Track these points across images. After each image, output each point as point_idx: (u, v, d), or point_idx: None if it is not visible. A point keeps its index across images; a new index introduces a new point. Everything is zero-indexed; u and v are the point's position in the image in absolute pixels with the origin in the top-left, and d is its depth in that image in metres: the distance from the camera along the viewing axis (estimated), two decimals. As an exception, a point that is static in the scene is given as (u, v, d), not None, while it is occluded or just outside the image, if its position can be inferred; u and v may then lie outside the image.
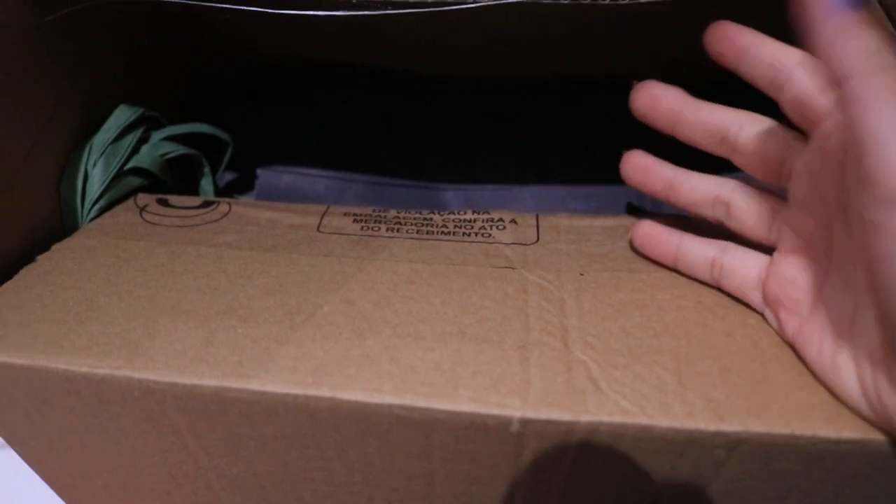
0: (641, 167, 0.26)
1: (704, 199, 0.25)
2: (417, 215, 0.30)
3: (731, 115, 0.23)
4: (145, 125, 0.34)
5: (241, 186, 0.41)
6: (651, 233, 0.26)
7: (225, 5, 0.27)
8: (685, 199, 0.25)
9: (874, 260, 0.17)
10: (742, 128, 0.23)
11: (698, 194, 0.25)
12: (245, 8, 0.27)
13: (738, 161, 0.23)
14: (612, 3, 0.25)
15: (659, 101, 0.24)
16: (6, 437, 0.27)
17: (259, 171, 0.41)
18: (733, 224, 0.24)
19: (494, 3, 0.25)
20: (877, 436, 0.19)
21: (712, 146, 0.24)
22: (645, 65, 0.39)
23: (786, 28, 0.20)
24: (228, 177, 0.41)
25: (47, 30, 0.30)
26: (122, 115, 0.33)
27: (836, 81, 0.18)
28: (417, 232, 0.29)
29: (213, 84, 0.43)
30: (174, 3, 0.33)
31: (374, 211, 0.31)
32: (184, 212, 0.31)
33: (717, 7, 0.28)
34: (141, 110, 0.34)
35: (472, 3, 0.25)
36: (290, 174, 0.41)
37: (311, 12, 0.27)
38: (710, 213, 0.25)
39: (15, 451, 0.27)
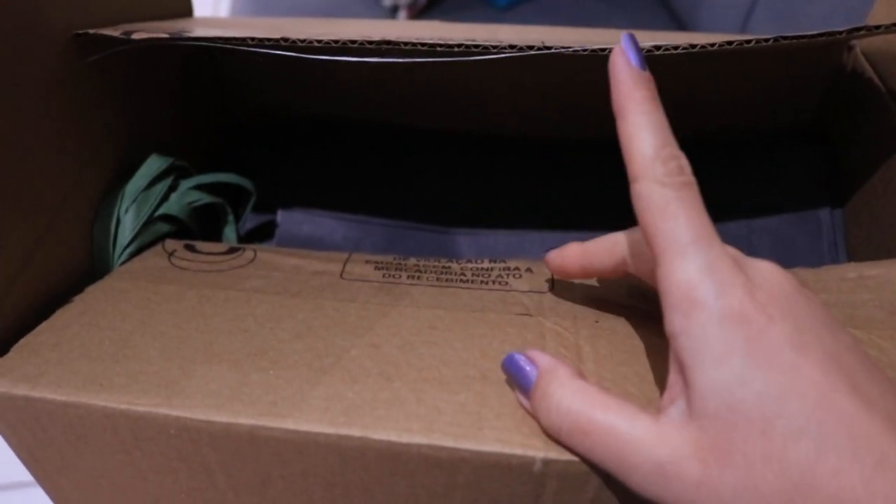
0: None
1: (612, 265, 0.26)
2: (436, 263, 0.32)
3: (610, 243, 0.26)
4: (175, 174, 0.36)
5: (261, 234, 0.42)
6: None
7: (258, 49, 0.29)
8: (600, 270, 0.27)
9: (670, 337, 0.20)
10: (622, 246, 0.25)
11: (606, 264, 0.26)
12: (276, 52, 0.28)
13: (633, 272, 0.26)
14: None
15: (566, 262, 0.27)
16: (37, 473, 0.27)
17: (279, 220, 0.42)
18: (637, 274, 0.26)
19: (517, 54, 0.27)
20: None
21: (618, 272, 0.26)
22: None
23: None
24: (249, 224, 0.42)
25: (87, 77, 0.31)
26: (153, 164, 0.34)
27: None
28: (437, 279, 0.30)
29: (238, 134, 0.45)
30: (205, 49, 0.35)
31: (394, 259, 0.32)
32: (211, 257, 0.33)
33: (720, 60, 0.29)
34: (171, 160, 0.35)
35: (496, 53, 0.27)
36: (310, 224, 0.42)
37: (341, 58, 0.28)
38: (622, 272, 0.26)
39: (43, 487, 0.28)
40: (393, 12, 0.66)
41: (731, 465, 0.18)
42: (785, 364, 0.18)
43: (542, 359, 0.23)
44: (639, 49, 0.22)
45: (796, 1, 0.73)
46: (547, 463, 0.21)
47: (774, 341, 0.18)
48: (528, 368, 0.23)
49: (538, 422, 0.22)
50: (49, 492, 0.29)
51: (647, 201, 0.20)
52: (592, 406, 0.20)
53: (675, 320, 0.19)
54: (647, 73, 0.22)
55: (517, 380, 0.23)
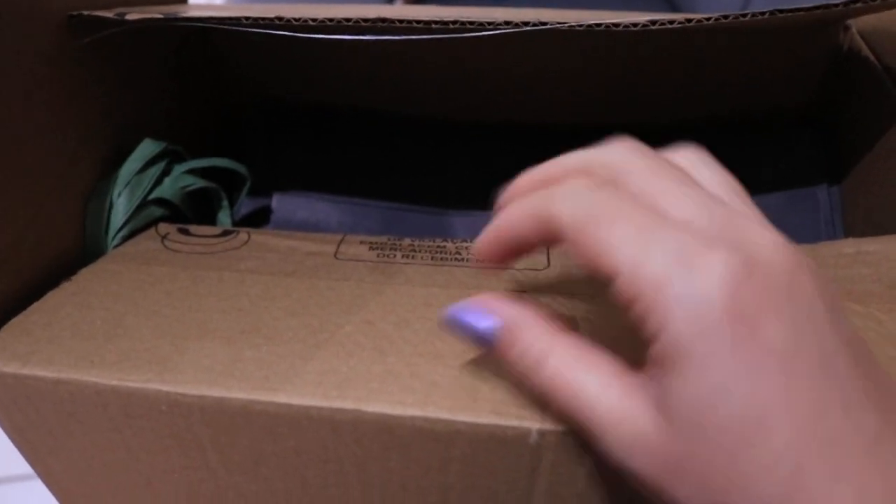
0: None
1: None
2: (431, 243, 0.31)
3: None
4: (168, 158, 0.35)
5: (256, 220, 0.42)
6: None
7: (252, 28, 0.29)
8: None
9: None
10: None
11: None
12: (271, 32, 0.28)
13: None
14: (623, 28, 0.26)
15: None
16: (28, 455, 0.27)
17: (274, 206, 0.42)
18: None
19: (512, 30, 0.27)
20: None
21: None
22: (644, 113, 0.41)
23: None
24: (245, 210, 0.42)
25: (80, 60, 0.31)
26: (146, 148, 0.34)
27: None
28: (432, 259, 0.30)
29: (232, 118, 0.45)
30: (201, 33, 0.34)
31: (388, 239, 0.32)
32: (204, 240, 0.32)
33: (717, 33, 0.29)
34: (165, 144, 0.35)
35: (492, 29, 0.27)
36: (305, 209, 0.42)
37: (336, 36, 0.28)
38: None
39: (34, 469, 0.28)
40: (390, 2, 0.66)
41: (687, 483, 0.16)
42: (773, 376, 0.15)
43: (505, 310, 0.21)
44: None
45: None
46: (543, 434, 0.21)
47: (765, 346, 0.15)
48: (483, 326, 0.21)
49: (520, 380, 0.20)
50: (41, 474, 0.28)
51: (573, 225, 0.18)
52: (567, 364, 0.19)
53: (648, 317, 0.17)
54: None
55: (474, 341, 0.21)
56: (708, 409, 0.16)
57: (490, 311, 0.21)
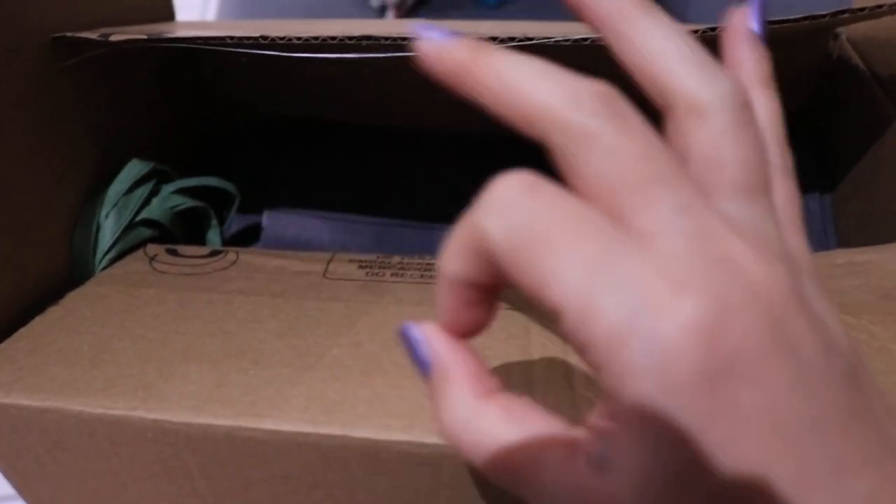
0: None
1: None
2: (420, 261, 0.31)
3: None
4: (156, 178, 0.35)
5: (246, 237, 0.42)
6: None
7: (236, 48, 0.28)
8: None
9: None
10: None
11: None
12: (255, 51, 0.28)
13: None
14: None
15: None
16: (15, 482, 0.27)
17: (264, 223, 0.42)
18: None
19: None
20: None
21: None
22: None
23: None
24: (234, 229, 0.42)
25: (65, 81, 0.31)
26: (134, 169, 0.34)
27: None
28: (421, 276, 0.30)
29: (220, 137, 0.45)
30: (185, 53, 0.34)
31: (378, 257, 0.32)
32: (193, 261, 0.32)
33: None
34: (152, 164, 0.35)
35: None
36: (295, 226, 0.42)
37: (320, 55, 0.28)
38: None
39: (22, 497, 0.28)
40: (381, 13, 0.66)
41: None
42: (756, 448, 0.13)
43: (439, 352, 0.18)
44: None
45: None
46: (532, 457, 0.20)
47: (746, 414, 0.12)
48: (420, 356, 0.18)
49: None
50: (29, 502, 0.28)
51: (507, 251, 0.14)
52: (495, 432, 0.16)
53: (603, 371, 0.13)
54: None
55: (414, 362, 0.18)
56: (676, 485, 0.13)
57: (428, 344, 0.18)
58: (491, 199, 0.14)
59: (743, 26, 0.18)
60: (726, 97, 0.15)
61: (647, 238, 0.13)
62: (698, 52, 0.15)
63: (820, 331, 0.13)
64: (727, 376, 0.12)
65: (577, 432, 0.15)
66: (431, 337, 0.18)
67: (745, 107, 0.15)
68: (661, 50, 0.15)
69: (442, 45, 0.16)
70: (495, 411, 0.16)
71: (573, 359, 0.24)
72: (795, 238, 0.16)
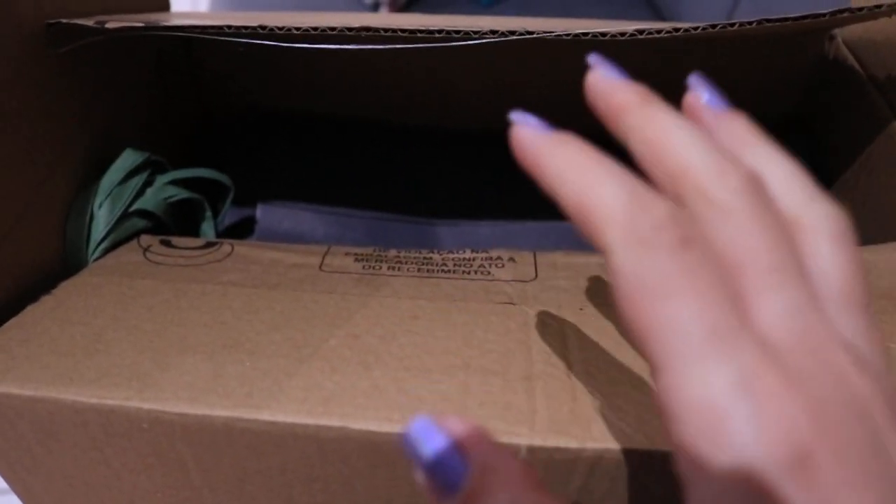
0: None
1: None
2: (417, 254, 0.31)
3: None
4: (150, 169, 0.35)
5: (240, 231, 0.41)
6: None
7: (234, 38, 0.28)
8: None
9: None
10: None
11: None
12: (254, 41, 0.28)
13: None
14: (611, 38, 0.26)
15: None
16: (6, 473, 0.26)
17: (259, 216, 0.41)
18: None
19: (498, 39, 0.27)
20: None
21: None
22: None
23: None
24: (228, 221, 0.42)
25: (59, 69, 0.31)
26: (128, 159, 0.34)
27: None
28: (418, 270, 0.30)
29: (215, 128, 0.45)
30: (180, 43, 0.34)
31: (374, 251, 0.32)
32: (187, 252, 0.32)
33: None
34: (146, 154, 0.34)
35: (477, 38, 0.27)
36: (290, 219, 0.41)
37: (320, 46, 0.28)
38: None
39: (13, 489, 0.27)
40: (374, 9, 0.66)
41: None
42: None
43: (481, 454, 0.16)
44: (535, 121, 0.17)
45: (778, -2, 0.73)
46: (532, 451, 0.20)
47: (833, 491, 0.12)
48: (451, 462, 0.16)
49: None
50: (20, 493, 0.28)
51: (633, 280, 0.14)
52: None
53: (690, 453, 0.13)
54: (561, 133, 0.16)
55: (432, 470, 0.16)
56: None
57: (462, 447, 0.16)
58: (637, 228, 0.14)
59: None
60: (826, 215, 0.16)
61: (763, 328, 0.14)
62: (808, 179, 0.16)
63: None
64: (826, 444, 0.13)
65: None
66: (466, 437, 0.16)
67: (845, 229, 0.16)
68: (774, 171, 0.16)
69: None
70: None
71: (572, 353, 0.24)
72: (881, 359, 0.16)
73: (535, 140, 0.16)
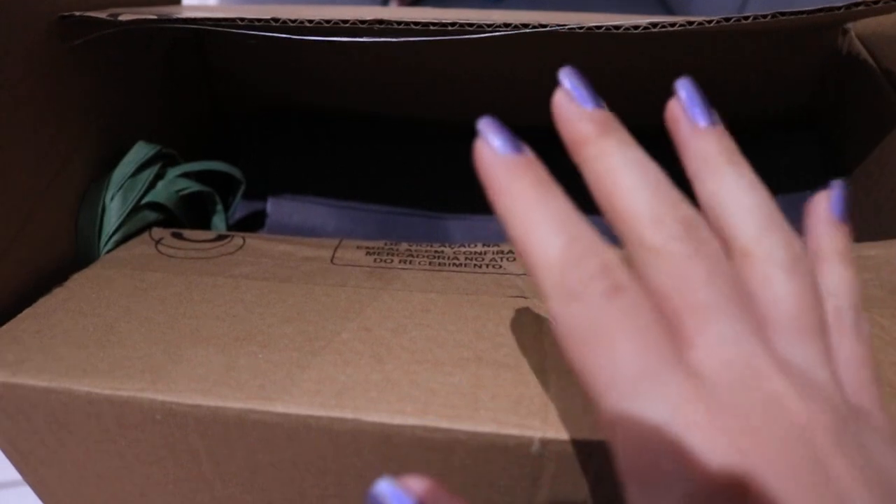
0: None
1: None
2: (429, 248, 0.31)
3: None
4: (162, 161, 0.35)
5: (251, 224, 0.41)
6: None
7: (247, 30, 0.28)
8: None
9: None
10: None
11: None
12: (267, 34, 0.28)
13: None
14: (624, 31, 0.26)
15: None
16: (20, 465, 0.26)
17: (269, 210, 0.41)
18: None
19: (511, 32, 0.26)
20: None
21: None
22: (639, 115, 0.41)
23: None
24: (239, 214, 0.42)
25: (72, 61, 0.31)
26: (140, 151, 0.34)
27: None
28: (430, 264, 0.30)
29: (227, 121, 0.45)
30: (192, 36, 0.34)
31: (385, 244, 0.32)
32: (199, 245, 0.32)
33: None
34: (158, 147, 0.34)
35: (490, 31, 0.27)
36: (300, 213, 0.41)
37: (333, 38, 0.28)
38: None
39: (26, 480, 0.27)
40: (385, 3, 0.66)
41: None
42: None
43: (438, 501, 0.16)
44: (503, 131, 0.17)
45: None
46: (545, 443, 0.20)
47: None
48: None
49: None
50: (33, 485, 0.28)
51: (568, 329, 0.15)
52: None
53: (630, 493, 0.14)
54: (524, 155, 0.17)
55: None
56: None
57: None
58: (567, 281, 0.15)
59: (825, 211, 0.19)
60: (778, 246, 0.16)
61: (695, 363, 0.14)
62: (768, 210, 0.17)
63: (865, 474, 0.13)
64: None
65: None
66: (424, 495, 0.16)
67: (798, 259, 0.16)
68: (731, 202, 0.17)
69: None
70: None
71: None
72: (863, 397, 0.16)
73: (493, 163, 0.17)
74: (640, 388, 0.14)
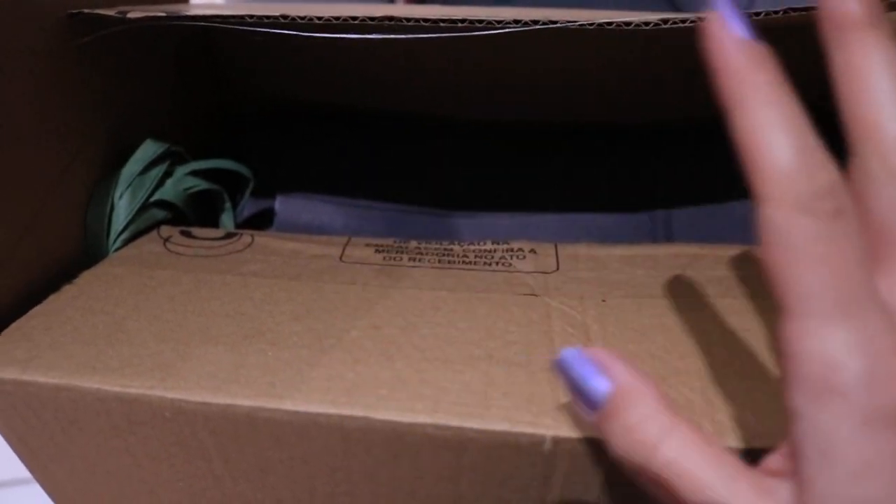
0: None
1: None
2: (438, 246, 0.31)
3: None
4: (170, 159, 0.35)
5: (259, 222, 0.41)
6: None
7: (256, 27, 0.28)
8: None
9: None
10: None
11: None
12: (275, 31, 0.28)
13: None
14: (635, 27, 0.26)
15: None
16: (29, 462, 0.26)
17: (277, 208, 0.41)
18: None
19: (522, 28, 0.26)
20: None
21: None
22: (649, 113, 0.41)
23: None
24: (247, 212, 0.42)
25: (80, 59, 0.31)
26: (148, 149, 0.34)
27: None
28: (439, 262, 0.29)
29: (235, 119, 0.45)
30: (201, 34, 0.33)
31: (395, 242, 0.32)
32: (207, 243, 0.32)
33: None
34: (167, 145, 0.34)
35: (500, 28, 0.27)
36: (309, 211, 0.41)
37: (342, 35, 0.28)
38: None
39: (35, 477, 0.27)
40: (391, 1, 0.66)
41: None
42: None
43: (621, 374, 0.18)
44: (744, 17, 0.16)
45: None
46: (557, 442, 0.20)
47: None
48: (594, 383, 0.18)
49: (609, 446, 0.18)
50: (42, 482, 0.28)
51: (781, 237, 0.15)
52: (688, 453, 0.17)
53: (798, 399, 0.15)
54: (764, 48, 0.16)
55: (578, 396, 0.19)
56: None
57: (604, 369, 0.19)
58: (797, 192, 0.15)
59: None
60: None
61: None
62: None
63: None
64: None
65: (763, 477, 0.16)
66: (607, 359, 0.19)
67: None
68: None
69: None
70: (689, 432, 0.17)
71: (595, 344, 0.24)
72: None
73: (733, 46, 0.16)
74: (835, 315, 0.14)
